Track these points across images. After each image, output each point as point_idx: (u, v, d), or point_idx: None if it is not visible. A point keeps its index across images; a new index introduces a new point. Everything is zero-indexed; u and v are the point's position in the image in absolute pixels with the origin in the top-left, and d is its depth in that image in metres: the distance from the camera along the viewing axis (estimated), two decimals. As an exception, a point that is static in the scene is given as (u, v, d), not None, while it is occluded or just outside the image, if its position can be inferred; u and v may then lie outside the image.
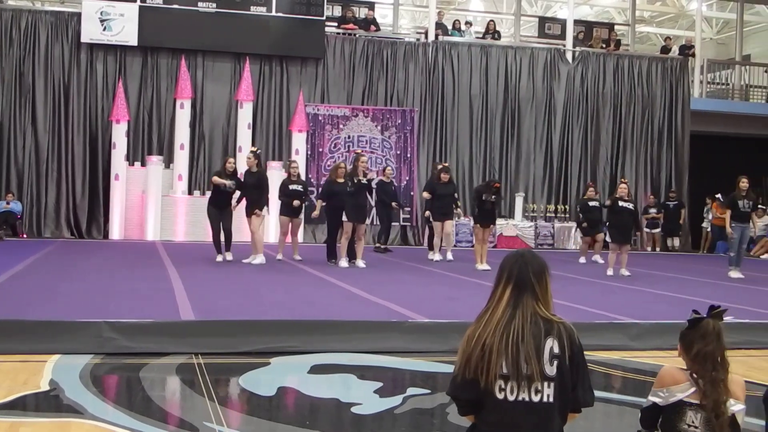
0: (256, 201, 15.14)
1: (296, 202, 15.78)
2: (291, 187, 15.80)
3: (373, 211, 20.22)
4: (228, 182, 15.12)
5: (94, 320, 8.03)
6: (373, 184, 15.75)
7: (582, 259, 18.85)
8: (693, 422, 3.68)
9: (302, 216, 16.51)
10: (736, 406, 3.70)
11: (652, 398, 3.81)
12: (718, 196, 22.97)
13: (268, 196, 15.40)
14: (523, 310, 3.45)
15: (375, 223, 21.12)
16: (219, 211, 15.21)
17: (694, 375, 3.72)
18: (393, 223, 20.68)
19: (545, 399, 3.40)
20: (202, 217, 20.51)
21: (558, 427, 3.46)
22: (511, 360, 3.38)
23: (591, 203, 18.92)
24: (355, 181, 15.04)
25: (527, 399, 3.39)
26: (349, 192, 14.95)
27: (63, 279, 11.74)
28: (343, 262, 15.16)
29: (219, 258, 15.11)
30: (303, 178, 17.39)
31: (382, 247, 19.69)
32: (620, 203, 15.68)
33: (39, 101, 20.73)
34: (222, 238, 15.42)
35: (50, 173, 20.68)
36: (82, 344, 7.81)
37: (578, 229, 20.36)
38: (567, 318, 3.57)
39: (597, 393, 3.67)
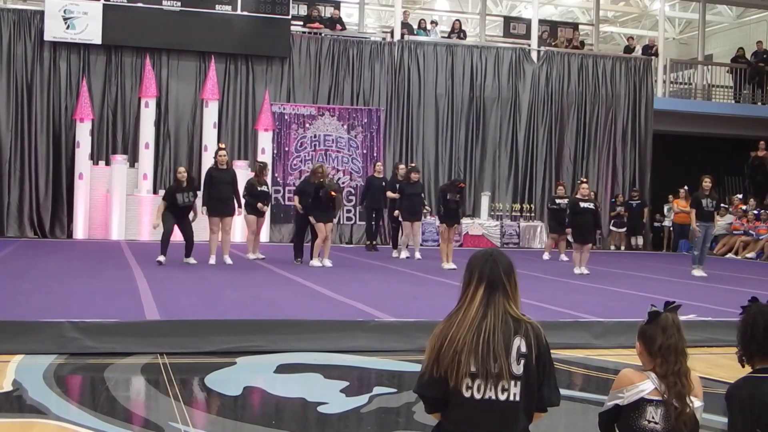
0: (230, 198, 15.02)
1: (260, 205, 15.93)
2: (260, 188, 15.93)
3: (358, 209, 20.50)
4: (185, 197, 14.53)
5: (58, 320, 7.97)
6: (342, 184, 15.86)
7: (546, 256, 19.10)
8: (653, 417, 3.72)
9: (267, 215, 16.57)
10: (695, 403, 3.74)
11: (612, 401, 3.83)
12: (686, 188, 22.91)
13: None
14: (495, 309, 3.47)
15: (342, 222, 21.23)
16: (176, 218, 14.59)
17: (657, 370, 3.76)
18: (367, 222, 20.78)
19: (511, 398, 3.43)
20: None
21: (523, 426, 3.49)
22: (481, 359, 3.40)
23: (558, 201, 19.15)
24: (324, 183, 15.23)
25: (494, 397, 3.41)
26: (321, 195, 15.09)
27: (25, 279, 11.63)
28: (316, 262, 15.12)
29: (162, 258, 14.27)
30: (269, 177, 17.45)
31: (371, 244, 20.04)
32: (581, 204, 15.80)
33: (1, 100, 20.48)
34: (168, 240, 14.64)
35: (13, 172, 20.46)
36: (45, 344, 7.74)
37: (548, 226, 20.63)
38: (532, 316, 3.60)
39: (561, 391, 3.70)
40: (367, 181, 20.32)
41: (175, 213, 14.51)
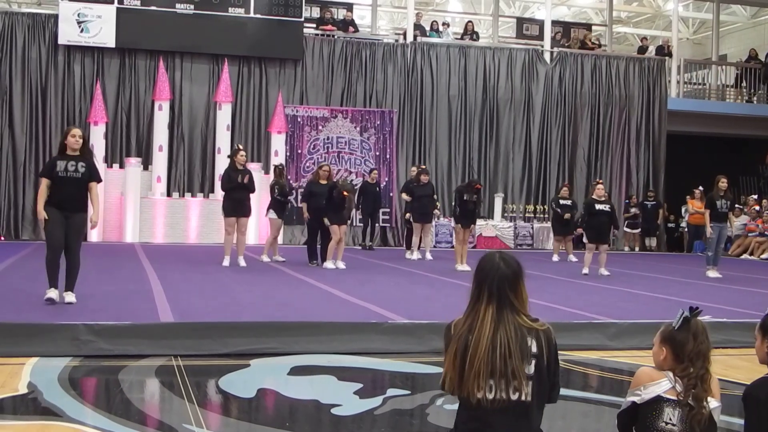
0: (247, 199, 14.88)
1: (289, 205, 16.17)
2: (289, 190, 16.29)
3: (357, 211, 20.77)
4: (69, 165, 9.32)
5: (72, 322, 7.99)
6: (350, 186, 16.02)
7: (555, 257, 19.08)
8: (671, 419, 3.70)
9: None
10: (712, 404, 3.73)
11: (630, 398, 3.82)
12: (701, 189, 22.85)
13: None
14: (505, 325, 3.51)
15: (355, 224, 21.30)
16: (64, 217, 9.31)
17: (679, 373, 3.74)
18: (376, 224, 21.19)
19: (523, 397, 3.45)
20: (182, 218, 20.59)
21: (536, 424, 3.51)
22: (498, 372, 3.46)
23: (562, 202, 19.18)
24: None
25: (505, 397, 3.43)
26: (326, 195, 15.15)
27: (40, 281, 11.61)
28: (329, 264, 15.11)
29: (52, 294, 9.31)
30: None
31: (369, 244, 20.57)
32: (597, 206, 15.76)
33: (16, 103, 20.60)
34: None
35: (28, 175, 20.55)
36: (60, 347, 7.76)
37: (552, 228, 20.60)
38: (545, 318, 3.63)
39: (575, 393, 3.70)
40: (361, 187, 20.54)
41: (61, 200, 9.34)
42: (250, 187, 14.81)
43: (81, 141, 9.52)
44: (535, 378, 3.48)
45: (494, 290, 3.53)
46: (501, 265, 3.58)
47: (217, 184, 20.08)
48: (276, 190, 16.15)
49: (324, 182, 15.53)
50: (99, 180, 9.76)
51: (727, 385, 6.75)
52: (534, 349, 3.49)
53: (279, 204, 16.09)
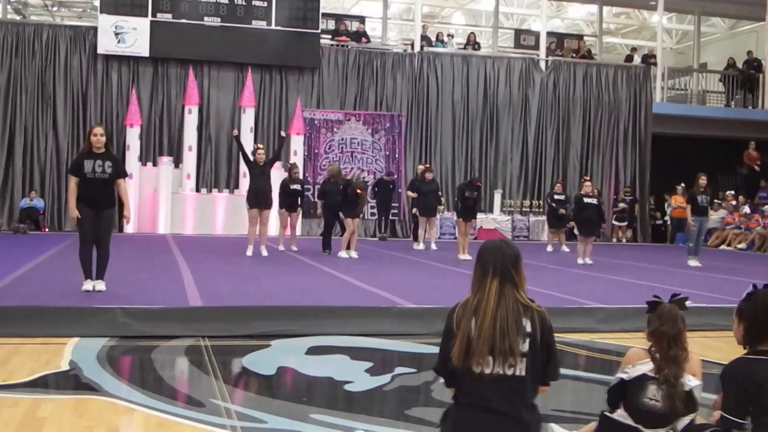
0: (269, 192, 14.85)
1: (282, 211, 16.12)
2: (292, 186, 15.95)
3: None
4: (97, 166, 9.07)
5: (110, 306, 8.04)
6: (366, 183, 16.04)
7: (549, 248, 19.08)
8: (654, 396, 3.71)
9: (300, 210, 16.59)
10: (693, 382, 3.72)
11: (618, 375, 3.83)
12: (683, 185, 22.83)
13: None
14: (506, 299, 3.54)
15: (366, 217, 21.33)
16: (95, 213, 9.28)
17: (652, 350, 3.76)
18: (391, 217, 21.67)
19: (518, 372, 3.48)
20: (209, 212, 20.61)
21: (530, 398, 3.55)
22: (499, 347, 3.47)
23: (556, 197, 19.19)
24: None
25: (501, 372, 3.45)
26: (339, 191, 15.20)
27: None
28: (343, 254, 15.12)
29: (88, 286, 9.27)
30: (301, 177, 17.60)
31: (383, 235, 20.89)
32: (585, 199, 15.76)
33: (59, 108, 20.63)
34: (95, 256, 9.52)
35: (69, 173, 20.58)
36: (98, 328, 7.80)
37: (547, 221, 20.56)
38: (540, 303, 3.63)
39: (567, 372, 3.71)
40: (376, 183, 20.86)
41: (90, 199, 9.19)
42: (262, 162, 14.74)
43: (104, 139, 9.15)
44: (529, 355, 3.50)
45: (498, 266, 3.56)
46: (503, 246, 3.64)
47: (242, 180, 20.19)
48: (280, 187, 16.16)
49: (334, 180, 15.61)
50: (125, 175, 9.59)
51: (706, 365, 6.73)
52: (528, 328, 3.51)
53: (281, 198, 16.11)
